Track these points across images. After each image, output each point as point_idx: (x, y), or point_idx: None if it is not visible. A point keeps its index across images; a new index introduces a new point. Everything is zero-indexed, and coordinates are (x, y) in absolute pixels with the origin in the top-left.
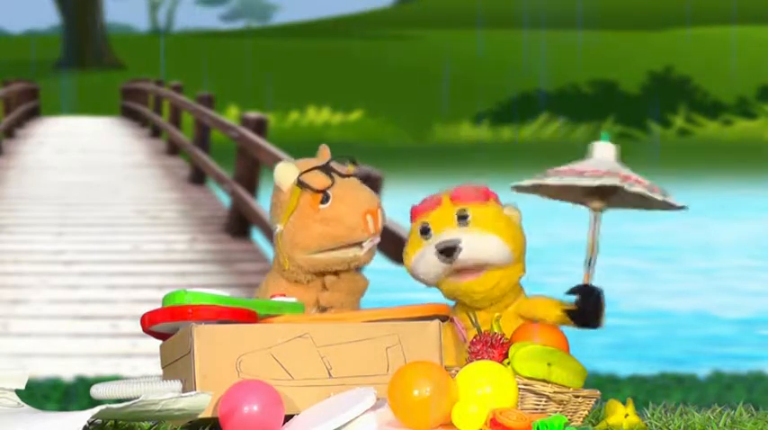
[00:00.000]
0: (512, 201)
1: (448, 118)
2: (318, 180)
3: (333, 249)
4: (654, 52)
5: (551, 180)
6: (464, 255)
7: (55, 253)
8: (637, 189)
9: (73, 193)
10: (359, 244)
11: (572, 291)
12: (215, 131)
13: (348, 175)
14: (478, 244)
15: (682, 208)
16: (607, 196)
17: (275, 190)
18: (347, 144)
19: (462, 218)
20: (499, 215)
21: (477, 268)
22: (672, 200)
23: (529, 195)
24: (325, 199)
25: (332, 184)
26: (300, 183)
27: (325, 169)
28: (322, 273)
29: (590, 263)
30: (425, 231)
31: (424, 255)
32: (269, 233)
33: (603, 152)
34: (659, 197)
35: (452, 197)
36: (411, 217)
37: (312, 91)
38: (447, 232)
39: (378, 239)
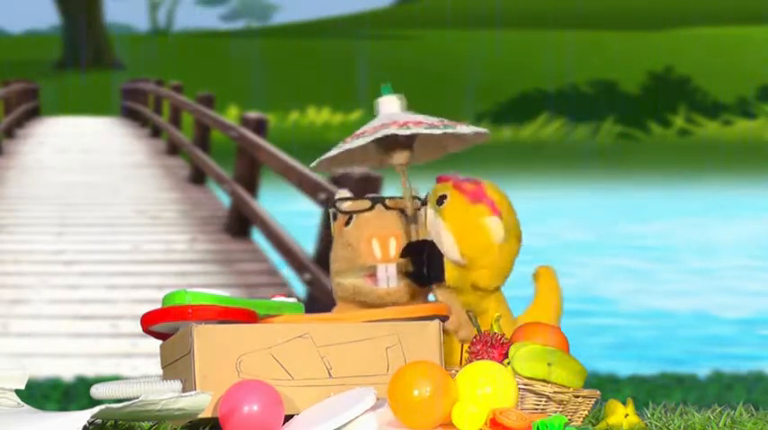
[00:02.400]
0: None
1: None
2: (356, 204)
3: (353, 275)
4: (654, 52)
5: (333, 152)
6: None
7: (55, 253)
8: (413, 130)
9: (73, 193)
10: (371, 271)
11: (403, 252)
12: (215, 131)
13: (392, 208)
14: (432, 232)
15: (483, 134)
16: (407, 149)
17: None
18: None
19: (440, 201)
20: (472, 219)
21: None
22: (464, 128)
23: (525, 196)
24: (348, 222)
25: (365, 209)
26: (331, 203)
27: (375, 199)
28: (366, 305)
29: (411, 219)
30: (441, 201)
31: (434, 224)
32: (269, 233)
33: (388, 107)
34: (450, 130)
35: (453, 182)
36: (438, 180)
37: (312, 91)
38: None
39: (393, 272)
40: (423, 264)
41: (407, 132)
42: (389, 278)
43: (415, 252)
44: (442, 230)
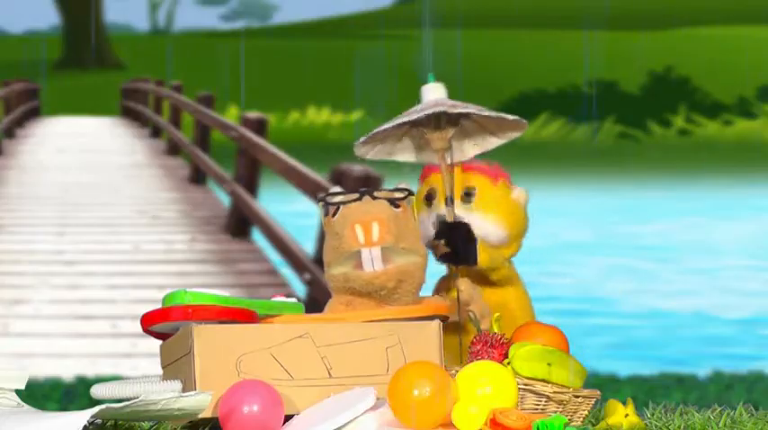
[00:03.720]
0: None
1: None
2: (345, 197)
3: (341, 264)
4: (654, 52)
5: (380, 128)
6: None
7: (55, 253)
8: (461, 110)
9: (73, 193)
10: (357, 258)
11: (438, 233)
12: (215, 131)
13: (378, 197)
14: (477, 227)
15: (519, 122)
16: (447, 134)
17: None
18: (348, 144)
19: (468, 195)
20: (504, 198)
21: None
22: (503, 114)
23: (532, 190)
24: (335, 214)
25: (352, 200)
26: (319, 199)
27: (363, 191)
28: (357, 293)
29: (448, 201)
30: (429, 198)
31: (422, 222)
32: (269, 233)
33: (431, 93)
34: (485, 113)
35: (464, 167)
36: (421, 176)
37: (312, 91)
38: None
39: (377, 255)
40: (458, 246)
41: (457, 111)
42: (374, 260)
43: (450, 234)
44: (483, 221)
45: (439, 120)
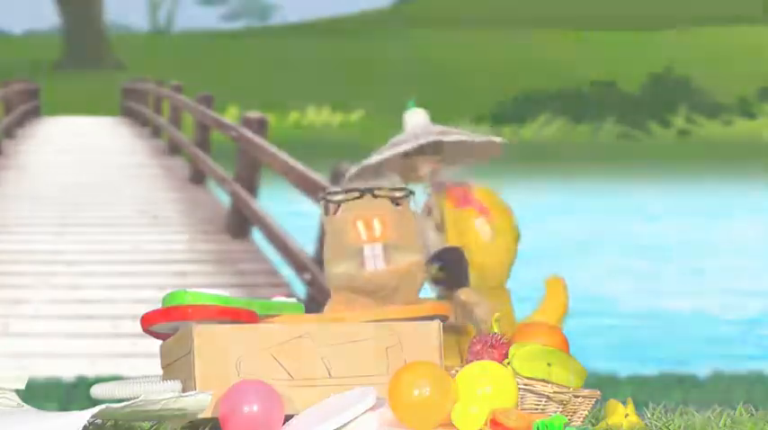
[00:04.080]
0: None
1: (448, 118)
2: (346, 196)
3: (343, 261)
4: (654, 52)
5: (370, 160)
6: None
7: (55, 253)
8: (454, 138)
9: (73, 193)
10: (359, 256)
11: (433, 258)
12: (215, 131)
13: (379, 196)
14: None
15: (496, 142)
16: (432, 159)
17: None
18: (348, 144)
19: (429, 211)
20: (460, 223)
21: None
22: (493, 138)
23: (525, 196)
24: (336, 212)
25: (354, 198)
26: (320, 197)
27: (365, 189)
28: (358, 292)
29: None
30: None
31: None
32: (269, 233)
33: (415, 119)
34: (477, 139)
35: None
36: None
37: (312, 91)
38: None
39: (379, 252)
40: (452, 271)
41: (453, 139)
42: (376, 258)
43: (443, 258)
44: (431, 228)
45: (423, 146)
